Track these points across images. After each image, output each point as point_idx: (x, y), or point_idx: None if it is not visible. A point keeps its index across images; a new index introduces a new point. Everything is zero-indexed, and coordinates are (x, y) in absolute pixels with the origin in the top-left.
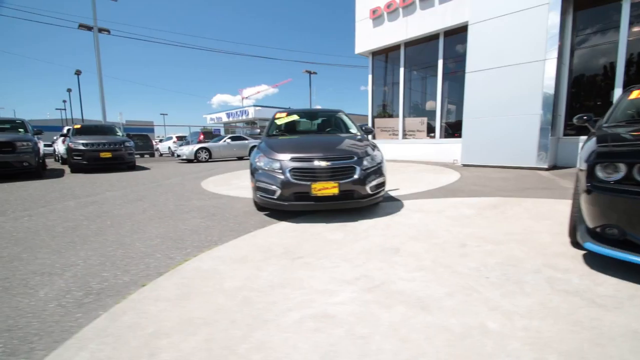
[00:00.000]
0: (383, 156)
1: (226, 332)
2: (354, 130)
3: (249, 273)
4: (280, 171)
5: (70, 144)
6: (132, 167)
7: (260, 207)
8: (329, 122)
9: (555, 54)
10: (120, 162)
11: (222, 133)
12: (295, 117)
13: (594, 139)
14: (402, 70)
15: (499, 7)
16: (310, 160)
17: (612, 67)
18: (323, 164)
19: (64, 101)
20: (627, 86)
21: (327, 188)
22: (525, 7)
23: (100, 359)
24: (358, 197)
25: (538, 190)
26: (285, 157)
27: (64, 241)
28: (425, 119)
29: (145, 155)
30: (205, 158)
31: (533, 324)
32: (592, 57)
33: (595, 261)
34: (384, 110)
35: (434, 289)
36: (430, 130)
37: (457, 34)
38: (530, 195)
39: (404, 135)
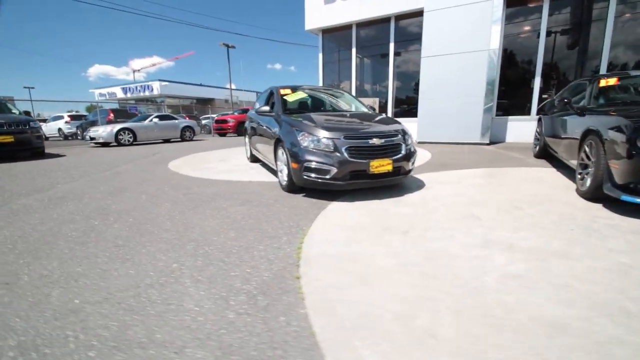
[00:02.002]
0: None
1: (461, 303)
2: (364, 109)
3: (384, 250)
4: (333, 149)
5: None
6: (41, 153)
7: (291, 189)
8: (341, 100)
9: (497, 44)
10: (26, 148)
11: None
12: (304, 94)
13: (618, 117)
14: (353, 50)
15: None
16: (365, 137)
17: (533, 58)
18: (377, 141)
19: None
20: (545, 76)
21: (383, 165)
22: (473, 0)
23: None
24: (403, 173)
25: (504, 161)
26: (336, 135)
27: (104, 247)
28: (377, 99)
29: None
30: (128, 141)
31: None
32: (516, 49)
33: (617, 209)
34: None
35: (553, 244)
36: (382, 110)
37: (408, 18)
38: (503, 165)
39: None
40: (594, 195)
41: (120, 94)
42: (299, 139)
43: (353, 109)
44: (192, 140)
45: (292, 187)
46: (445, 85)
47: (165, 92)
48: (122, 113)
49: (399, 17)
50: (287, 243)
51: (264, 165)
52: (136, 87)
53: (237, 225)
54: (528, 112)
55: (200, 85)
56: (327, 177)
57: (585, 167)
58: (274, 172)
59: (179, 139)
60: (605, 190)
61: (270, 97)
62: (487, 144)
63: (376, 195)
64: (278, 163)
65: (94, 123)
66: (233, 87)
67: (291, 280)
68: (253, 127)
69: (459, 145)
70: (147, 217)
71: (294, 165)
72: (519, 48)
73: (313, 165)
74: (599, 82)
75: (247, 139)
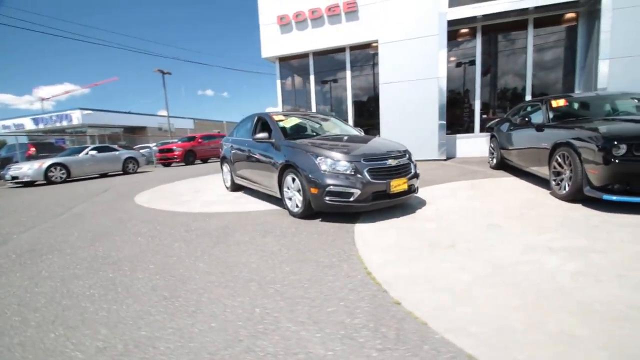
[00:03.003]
0: None
1: (564, 304)
2: (355, 132)
3: (450, 266)
4: (354, 172)
5: None
6: None
7: (306, 214)
8: (332, 125)
9: (444, 73)
10: None
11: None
12: (298, 120)
13: (587, 130)
14: (312, 77)
15: (403, 32)
16: (383, 159)
17: (472, 84)
18: (393, 162)
19: None
20: (483, 99)
21: (400, 184)
22: (422, 35)
23: None
24: (413, 191)
25: (471, 174)
26: (355, 158)
27: (150, 302)
28: None
29: None
30: (61, 178)
31: None
32: (456, 76)
33: (595, 206)
34: None
35: (577, 241)
36: None
37: (363, 48)
38: (474, 178)
39: None
40: (574, 197)
41: (30, 126)
42: (317, 163)
43: (345, 132)
44: (136, 172)
45: (308, 212)
46: (403, 109)
47: (88, 122)
48: (46, 147)
49: (354, 47)
50: (352, 270)
51: (250, 192)
52: (50, 117)
53: (283, 259)
54: (471, 130)
55: (129, 113)
56: (351, 199)
57: (558, 174)
58: (272, 200)
59: (122, 172)
60: (586, 192)
61: (258, 124)
62: (445, 160)
63: (389, 214)
64: (286, 190)
65: (8, 160)
66: (165, 113)
67: (394, 307)
68: (239, 155)
69: (422, 162)
70: (169, 261)
71: (313, 190)
72: (459, 75)
73: (336, 188)
74: (550, 103)
75: (226, 168)
